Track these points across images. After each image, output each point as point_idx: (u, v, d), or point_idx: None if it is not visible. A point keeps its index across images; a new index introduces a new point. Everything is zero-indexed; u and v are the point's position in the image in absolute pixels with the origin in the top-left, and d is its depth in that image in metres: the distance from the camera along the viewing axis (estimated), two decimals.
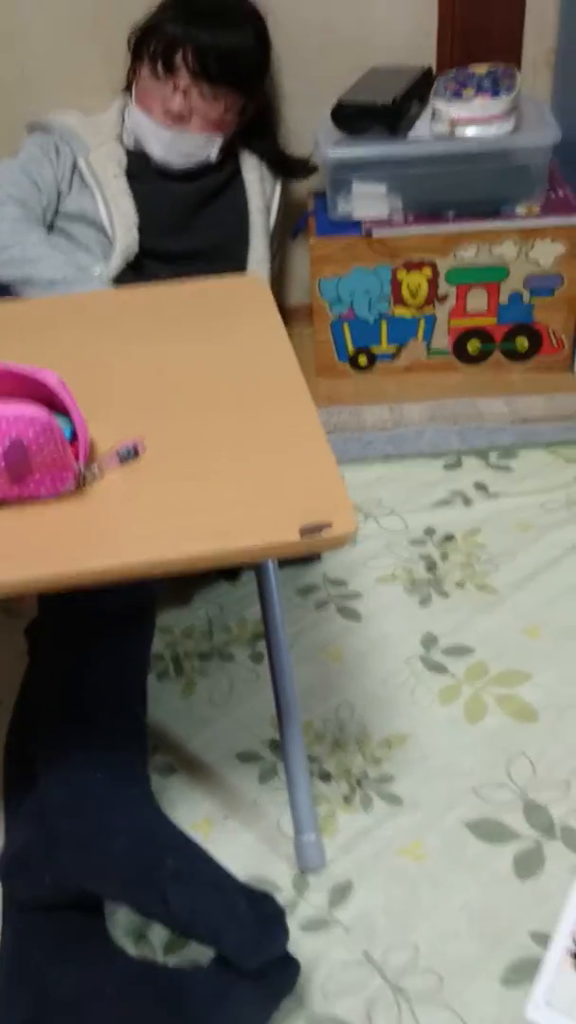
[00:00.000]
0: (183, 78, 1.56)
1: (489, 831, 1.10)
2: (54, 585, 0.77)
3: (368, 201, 1.79)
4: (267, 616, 1.05)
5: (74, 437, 0.84)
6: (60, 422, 0.83)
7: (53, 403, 0.84)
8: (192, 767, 1.20)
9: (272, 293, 1.90)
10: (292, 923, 1.00)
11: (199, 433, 0.91)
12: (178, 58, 1.55)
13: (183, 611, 1.42)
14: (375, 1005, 0.96)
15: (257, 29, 1.64)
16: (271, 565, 1.04)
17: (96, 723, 1.04)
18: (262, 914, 0.89)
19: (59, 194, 1.65)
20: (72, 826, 0.95)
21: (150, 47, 1.57)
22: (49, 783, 0.99)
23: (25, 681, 1.22)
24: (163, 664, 1.33)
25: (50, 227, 1.65)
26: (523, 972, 0.97)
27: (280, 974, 0.92)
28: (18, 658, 1.24)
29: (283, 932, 0.90)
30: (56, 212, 1.65)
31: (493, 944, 1.00)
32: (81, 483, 0.84)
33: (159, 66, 1.56)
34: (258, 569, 1.05)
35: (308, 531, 0.79)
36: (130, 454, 0.87)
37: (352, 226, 1.79)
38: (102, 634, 1.08)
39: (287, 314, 2.07)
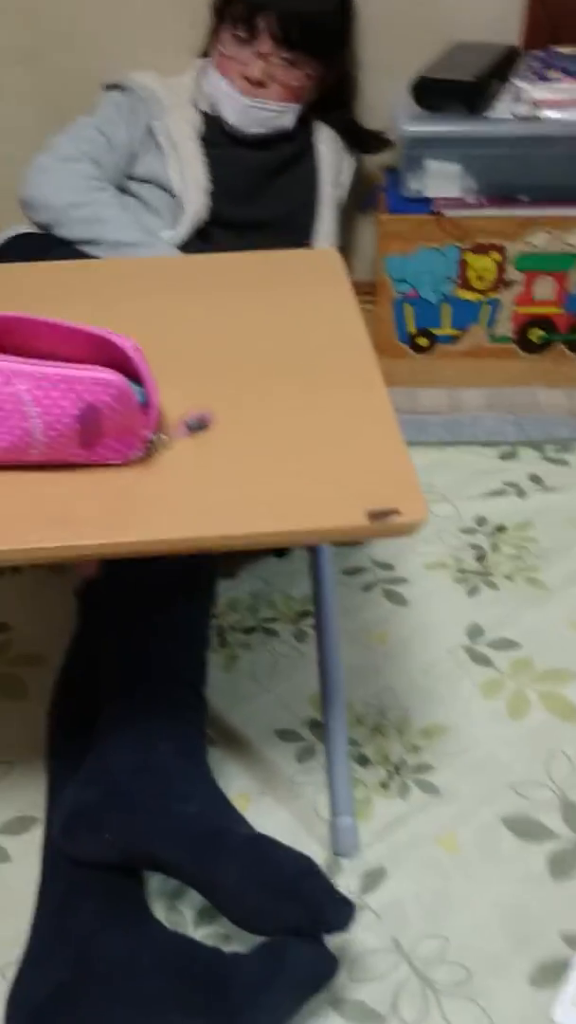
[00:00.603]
0: (264, 43, 1.54)
1: (525, 828, 1.09)
2: (116, 552, 0.77)
3: (441, 180, 1.76)
4: (319, 596, 1.04)
5: (145, 405, 0.83)
6: (134, 389, 0.82)
7: (125, 369, 0.83)
8: (231, 741, 1.19)
9: None
10: None
11: (268, 407, 0.90)
12: (260, 23, 1.52)
13: (229, 584, 1.41)
14: (402, 993, 0.95)
15: None
16: (326, 549, 1.04)
17: (159, 690, 1.05)
18: (327, 886, 0.90)
19: (132, 155, 1.63)
20: (144, 789, 0.95)
21: (233, 11, 1.54)
22: (114, 746, 1.00)
23: (75, 642, 1.22)
24: None
25: (121, 188, 1.64)
26: (552, 972, 0.97)
27: (322, 969, 0.91)
28: (66, 618, 1.25)
29: (349, 906, 0.90)
30: (128, 175, 1.64)
31: (523, 942, 0.99)
32: (150, 451, 0.83)
33: (240, 30, 1.54)
34: (312, 548, 1.04)
35: (376, 516, 0.78)
36: (198, 424, 0.87)
37: (423, 204, 1.76)
38: (165, 601, 1.09)
39: (356, 289, 2.05)
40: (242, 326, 1.01)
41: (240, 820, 0.98)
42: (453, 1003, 0.95)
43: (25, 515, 0.78)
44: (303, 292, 1.07)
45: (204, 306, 1.05)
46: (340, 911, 0.89)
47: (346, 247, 2.02)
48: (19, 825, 1.09)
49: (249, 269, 1.12)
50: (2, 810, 1.11)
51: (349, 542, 1.47)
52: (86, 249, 1.50)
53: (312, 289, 1.08)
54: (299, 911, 0.88)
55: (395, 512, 0.78)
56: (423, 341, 1.88)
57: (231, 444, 0.86)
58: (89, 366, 0.78)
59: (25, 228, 1.54)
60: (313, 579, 1.03)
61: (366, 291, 1.99)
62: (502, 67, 1.71)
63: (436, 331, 1.87)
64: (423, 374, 1.87)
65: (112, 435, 0.80)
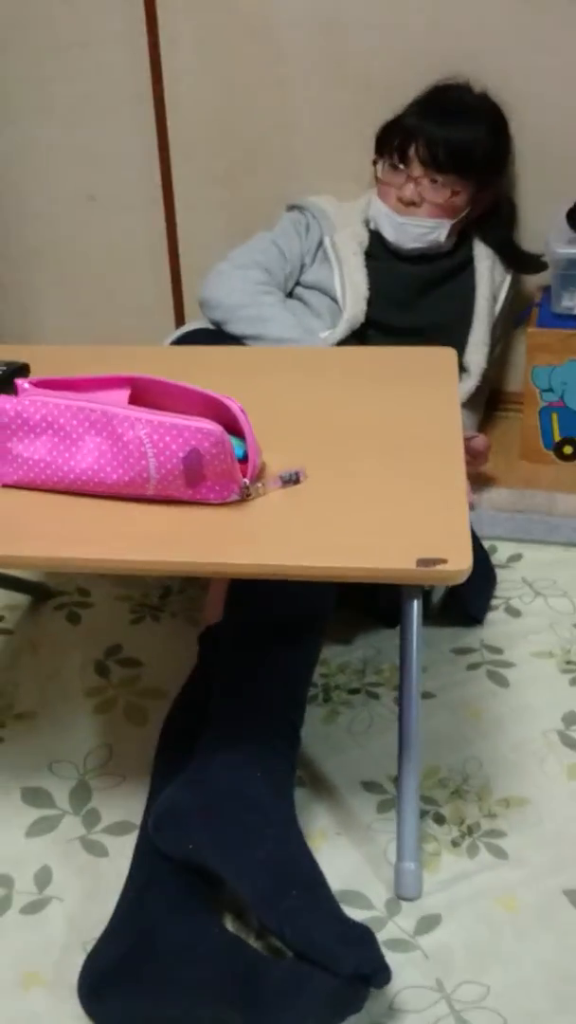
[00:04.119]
0: (415, 169, 1.73)
1: None
2: (200, 572, 0.92)
3: None
4: (403, 653, 1.14)
5: (245, 457, 0.99)
6: (236, 443, 0.98)
7: (234, 427, 0.99)
8: (320, 785, 1.30)
9: (491, 378, 2.02)
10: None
11: (355, 471, 1.04)
12: (411, 150, 1.72)
13: (343, 649, 1.53)
14: None
15: (493, 126, 1.78)
16: (415, 608, 1.14)
17: (262, 721, 1.17)
18: (373, 956, 0.97)
19: (302, 265, 1.85)
20: (230, 814, 1.07)
21: (388, 143, 1.75)
22: (215, 761, 1.13)
23: (192, 675, 1.37)
24: (314, 691, 1.44)
25: (290, 293, 1.85)
26: None
27: (355, 991, 0.97)
28: (191, 661, 1.40)
29: (387, 974, 0.97)
30: (297, 281, 1.85)
31: (564, 1004, 1.02)
32: (245, 495, 0.99)
33: (395, 157, 1.74)
34: (402, 610, 1.15)
35: (424, 563, 0.89)
36: (292, 479, 1.01)
37: (572, 320, 1.87)
38: (276, 643, 1.23)
39: (505, 398, 2.18)
40: (350, 406, 1.16)
41: (304, 878, 1.05)
42: None
43: (136, 536, 0.95)
44: (411, 383, 1.21)
45: (322, 387, 1.21)
46: (379, 978, 0.96)
47: (504, 359, 2.14)
48: (120, 828, 1.23)
49: (371, 360, 1.28)
50: (109, 814, 1.26)
51: (460, 622, 1.55)
52: (251, 344, 1.71)
53: (420, 381, 1.22)
54: (342, 971, 0.94)
55: (442, 561, 0.89)
56: (568, 449, 1.96)
57: (316, 497, 1.00)
58: (197, 417, 0.95)
59: (200, 324, 1.77)
60: (400, 635, 1.13)
61: (517, 401, 2.11)
62: None
63: None
64: (565, 481, 1.94)
65: (212, 478, 0.96)
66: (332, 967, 0.93)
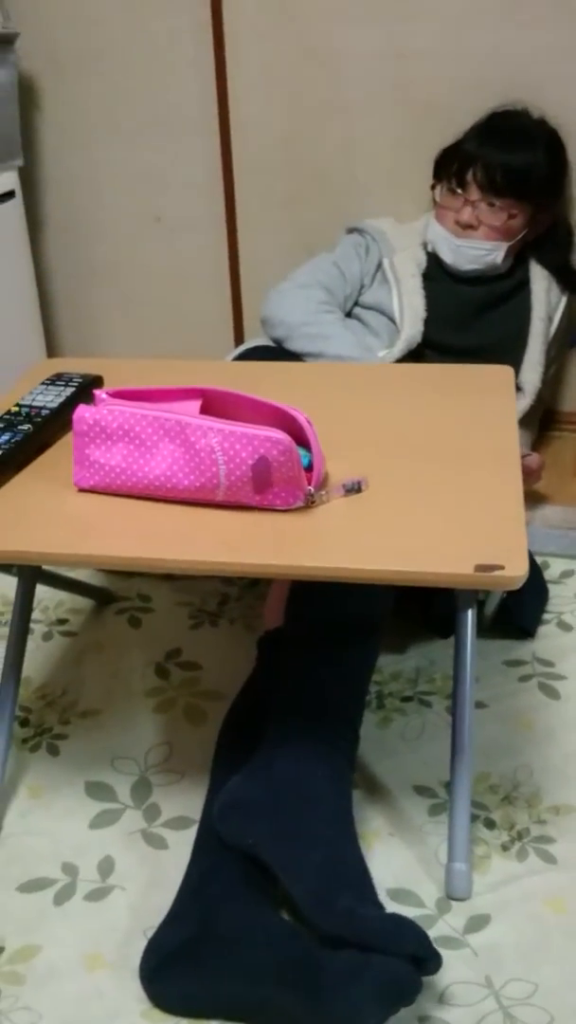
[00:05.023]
0: (473, 192, 1.78)
1: None
2: (267, 573, 0.97)
3: None
4: (458, 658, 1.18)
5: (311, 466, 1.04)
6: (301, 453, 1.03)
7: (301, 437, 1.04)
8: (372, 787, 1.33)
9: (545, 397, 2.05)
10: None
11: (415, 480, 1.08)
12: (469, 175, 1.77)
13: (396, 657, 1.56)
14: (484, 1022, 1.04)
15: (550, 151, 1.82)
16: (470, 616, 1.18)
17: (323, 718, 1.22)
18: (417, 928, 1.02)
19: (362, 286, 1.90)
20: (290, 813, 1.11)
21: (447, 168, 1.80)
22: (280, 754, 1.17)
23: (251, 678, 1.42)
24: (368, 697, 1.48)
25: (348, 314, 1.90)
26: None
27: (405, 980, 1.01)
28: (248, 665, 1.45)
29: (438, 960, 1.01)
30: (356, 302, 1.90)
31: None
32: (310, 502, 1.03)
33: (453, 182, 1.79)
34: (457, 618, 1.19)
35: (482, 568, 0.93)
36: (354, 487, 1.06)
37: None
38: (337, 645, 1.27)
39: (558, 418, 2.20)
40: (410, 419, 1.21)
41: (354, 881, 1.10)
42: None
43: (205, 539, 1.00)
44: (469, 397, 1.26)
45: (382, 400, 1.26)
46: (431, 964, 1.00)
47: (559, 379, 2.18)
48: (179, 823, 1.28)
49: (428, 377, 1.32)
50: (169, 809, 1.31)
51: (512, 635, 1.58)
52: (310, 361, 1.76)
53: (478, 396, 1.26)
54: (400, 951, 0.99)
55: (499, 568, 0.93)
56: None
57: (378, 505, 1.04)
58: (266, 427, 1.00)
59: (260, 342, 1.83)
60: (455, 643, 1.17)
61: (570, 420, 2.14)
62: None
63: None
64: None
65: (279, 485, 1.01)
66: (390, 948, 0.97)
